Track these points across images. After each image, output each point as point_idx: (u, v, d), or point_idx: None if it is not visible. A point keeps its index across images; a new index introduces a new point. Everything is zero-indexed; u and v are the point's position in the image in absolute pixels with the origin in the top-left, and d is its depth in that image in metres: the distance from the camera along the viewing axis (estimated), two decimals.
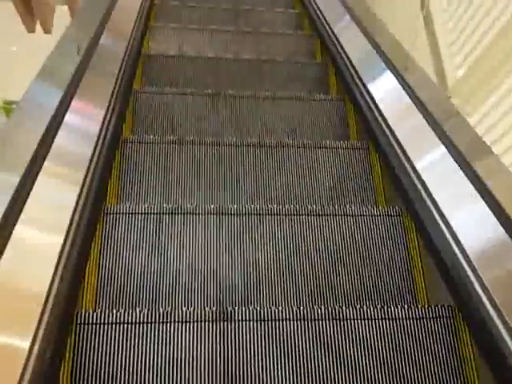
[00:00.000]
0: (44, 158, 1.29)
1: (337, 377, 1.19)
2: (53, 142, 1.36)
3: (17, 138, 1.35)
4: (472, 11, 2.97)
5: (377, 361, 1.22)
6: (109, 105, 1.81)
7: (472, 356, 1.25)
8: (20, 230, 1.06)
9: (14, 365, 0.88)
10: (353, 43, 2.44)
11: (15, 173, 1.18)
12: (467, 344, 1.27)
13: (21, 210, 1.10)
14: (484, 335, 1.15)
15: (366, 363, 1.22)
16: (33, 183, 1.20)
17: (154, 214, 1.55)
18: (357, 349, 1.23)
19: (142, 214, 1.55)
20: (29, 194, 1.16)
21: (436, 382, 1.21)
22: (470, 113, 2.81)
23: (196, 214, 1.58)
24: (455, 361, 1.24)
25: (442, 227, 1.39)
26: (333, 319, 1.26)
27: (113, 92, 1.91)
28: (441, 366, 1.23)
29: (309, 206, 1.63)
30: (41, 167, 1.26)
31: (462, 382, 1.22)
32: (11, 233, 1.04)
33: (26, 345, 0.92)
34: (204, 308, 1.24)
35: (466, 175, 1.40)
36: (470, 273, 1.24)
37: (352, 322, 1.26)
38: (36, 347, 0.94)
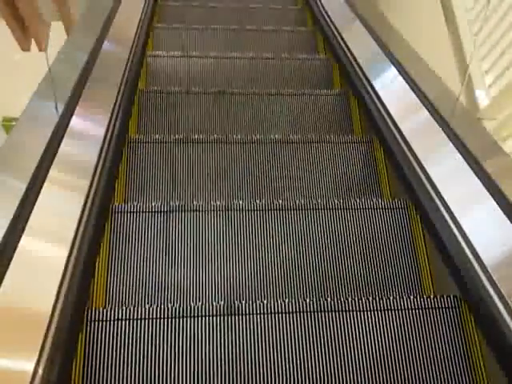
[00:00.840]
0: (53, 158, 1.32)
1: (345, 367, 1.21)
2: (60, 143, 1.39)
3: (24, 141, 1.37)
4: (511, 20, 2.43)
5: (384, 350, 1.23)
6: (114, 107, 1.83)
7: (478, 344, 1.26)
8: (30, 232, 1.09)
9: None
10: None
11: (25, 173, 1.21)
12: (473, 333, 1.27)
13: (30, 213, 1.13)
14: (490, 324, 1.16)
15: (373, 353, 1.23)
16: (42, 184, 1.22)
17: (161, 212, 1.57)
18: (364, 340, 1.25)
19: (149, 212, 1.57)
20: (38, 194, 1.19)
21: (443, 371, 1.22)
22: (506, 137, 2.43)
23: (203, 211, 1.60)
24: (461, 350, 1.25)
25: (447, 219, 1.40)
26: (340, 311, 1.27)
27: (118, 94, 1.93)
28: (447, 355, 1.24)
29: (314, 200, 1.65)
30: (49, 169, 1.28)
31: (469, 371, 1.23)
32: (22, 234, 1.07)
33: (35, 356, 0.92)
34: (212, 303, 1.26)
35: (470, 167, 1.41)
36: (475, 263, 1.24)
37: (359, 313, 1.28)
38: (45, 353, 0.94)
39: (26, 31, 1.09)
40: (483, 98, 2.57)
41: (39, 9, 1.13)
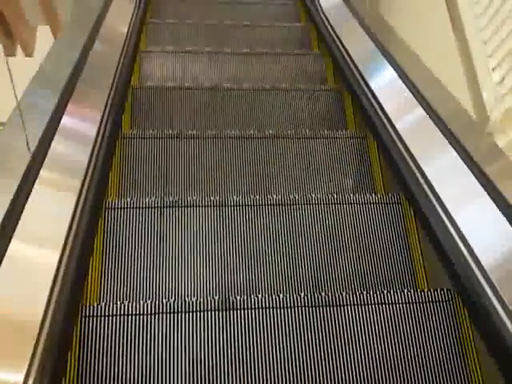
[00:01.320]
0: (44, 156, 1.31)
1: (340, 360, 1.21)
2: (51, 141, 1.38)
3: (15, 140, 1.36)
4: None
5: (379, 344, 1.24)
6: (106, 105, 1.83)
7: (472, 337, 1.27)
8: (22, 230, 1.08)
9: None
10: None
11: (15, 172, 1.20)
12: (467, 326, 1.28)
13: (22, 210, 1.12)
14: (482, 317, 1.16)
15: (368, 347, 1.23)
16: (33, 182, 1.22)
17: (155, 207, 1.57)
18: (359, 333, 1.25)
19: (143, 208, 1.57)
20: (30, 191, 1.18)
21: (437, 364, 1.23)
22: None
23: (198, 206, 1.60)
24: (455, 343, 1.26)
25: (440, 214, 1.40)
26: (334, 305, 1.28)
27: (110, 90, 1.93)
28: (441, 348, 1.25)
29: (308, 195, 1.65)
30: (40, 167, 1.27)
31: (463, 364, 1.24)
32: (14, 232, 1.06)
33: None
34: (207, 297, 1.26)
35: (463, 161, 1.42)
36: (468, 257, 1.25)
37: (353, 307, 1.28)
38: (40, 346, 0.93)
39: (11, 36, 1.04)
40: (494, 111, 2.29)
41: (25, 13, 1.10)
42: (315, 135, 2.00)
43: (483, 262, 1.20)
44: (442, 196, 1.42)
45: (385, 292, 1.31)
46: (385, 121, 1.85)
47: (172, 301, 1.25)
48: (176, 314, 1.22)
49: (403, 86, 1.84)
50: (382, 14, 2.57)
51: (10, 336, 0.92)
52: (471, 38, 2.35)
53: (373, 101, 1.99)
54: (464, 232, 1.29)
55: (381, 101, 1.93)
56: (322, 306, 1.27)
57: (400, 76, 1.89)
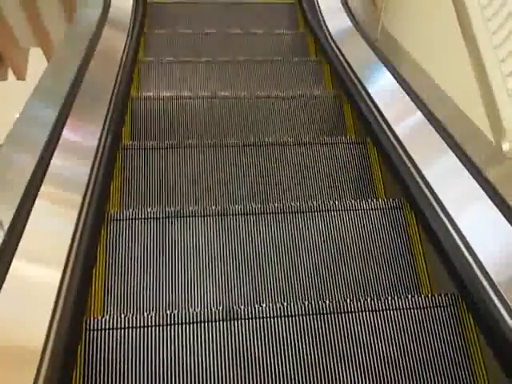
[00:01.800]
0: (45, 172, 1.32)
1: (346, 368, 1.21)
2: (52, 155, 1.39)
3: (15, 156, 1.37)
4: None
5: (384, 350, 1.24)
6: (105, 118, 1.83)
7: (477, 341, 1.26)
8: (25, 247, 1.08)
9: None
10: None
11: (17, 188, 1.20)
12: (471, 330, 1.28)
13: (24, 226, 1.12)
14: (487, 321, 1.16)
15: (373, 353, 1.23)
16: (35, 197, 1.22)
17: (157, 218, 1.57)
18: (365, 340, 1.25)
19: (145, 219, 1.57)
20: (32, 207, 1.18)
21: (442, 369, 1.23)
22: None
23: (199, 216, 1.60)
24: (460, 347, 1.25)
25: (443, 218, 1.40)
26: (338, 313, 1.27)
27: (110, 102, 1.94)
28: (446, 353, 1.24)
29: (309, 203, 1.65)
30: (41, 183, 1.28)
31: (469, 369, 1.23)
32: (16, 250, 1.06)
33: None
34: (211, 308, 1.26)
35: (463, 165, 1.42)
36: (471, 261, 1.25)
37: (358, 314, 1.28)
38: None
39: (2, 60, 1.02)
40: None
41: (16, 35, 1.07)
42: (315, 141, 2.01)
43: (486, 266, 1.19)
44: (443, 200, 1.42)
45: (389, 298, 1.30)
46: (386, 128, 1.86)
47: (176, 312, 1.24)
48: (180, 326, 1.22)
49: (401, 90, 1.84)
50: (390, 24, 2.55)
51: (13, 354, 0.92)
52: (486, 56, 2.24)
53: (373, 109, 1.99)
54: (467, 236, 1.29)
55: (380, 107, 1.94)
56: (326, 313, 1.27)
57: (400, 83, 1.89)
